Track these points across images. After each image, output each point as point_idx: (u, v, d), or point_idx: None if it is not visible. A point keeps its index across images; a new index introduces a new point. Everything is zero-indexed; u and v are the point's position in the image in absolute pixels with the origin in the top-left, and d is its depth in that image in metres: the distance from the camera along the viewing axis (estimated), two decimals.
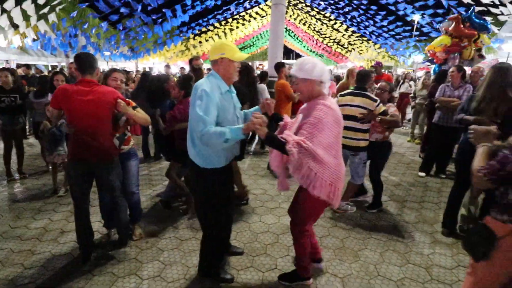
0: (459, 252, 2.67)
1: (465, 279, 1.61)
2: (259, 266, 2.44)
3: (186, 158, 2.11)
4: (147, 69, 23.82)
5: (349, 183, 3.37)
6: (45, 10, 7.85)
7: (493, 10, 8.21)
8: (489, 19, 7.85)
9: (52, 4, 7.98)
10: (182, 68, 10.10)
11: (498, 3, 7.97)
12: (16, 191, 3.79)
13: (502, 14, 8.25)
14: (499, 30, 9.51)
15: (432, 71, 8.21)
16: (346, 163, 3.27)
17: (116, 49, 15.81)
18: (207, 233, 2.16)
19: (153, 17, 10.51)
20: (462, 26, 6.43)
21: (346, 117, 3.15)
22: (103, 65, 19.88)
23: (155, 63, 26.18)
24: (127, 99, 2.44)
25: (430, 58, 7.44)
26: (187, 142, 2.02)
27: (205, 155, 1.94)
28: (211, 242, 2.17)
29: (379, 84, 3.36)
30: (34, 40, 10.52)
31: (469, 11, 6.47)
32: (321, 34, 19.23)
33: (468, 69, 5.54)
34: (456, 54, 6.59)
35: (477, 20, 6.37)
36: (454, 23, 6.49)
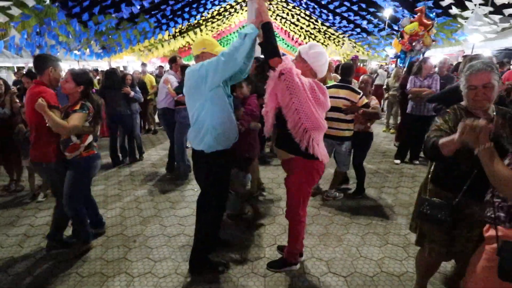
0: None
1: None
2: (248, 256, 2.52)
3: (247, 164, 2.25)
4: (121, 68, 23.00)
5: (336, 171, 3.58)
6: (5, 3, 7.43)
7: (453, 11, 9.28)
8: (456, 10, 9.31)
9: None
10: (160, 67, 9.72)
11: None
12: None
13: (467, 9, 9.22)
14: (465, 22, 10.23)
15: (398, 62, 8.97)
16: (332, 152, 3.43)
17: (87, 48, 15.16)
18: (206, 218, 2.24)
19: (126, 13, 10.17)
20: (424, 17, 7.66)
21: (331, 109, 3.35)
22: (73, 65, 18.99)
23: (129, 61, 25.32)
24: (78, 103, 2.31)
25: (399, 53, 8.28)
26: (190, 133, 2.10)
27: (209, 141, 2.00)
28: (207, 229, 2.26)
29: (361, 78, 3.54)
30: None
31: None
32: (297, 28, 19.43)
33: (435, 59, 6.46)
34: (420, 42, 7.66)
35: (429, 14, 7.73)
36: (419, 13, 7.65)
